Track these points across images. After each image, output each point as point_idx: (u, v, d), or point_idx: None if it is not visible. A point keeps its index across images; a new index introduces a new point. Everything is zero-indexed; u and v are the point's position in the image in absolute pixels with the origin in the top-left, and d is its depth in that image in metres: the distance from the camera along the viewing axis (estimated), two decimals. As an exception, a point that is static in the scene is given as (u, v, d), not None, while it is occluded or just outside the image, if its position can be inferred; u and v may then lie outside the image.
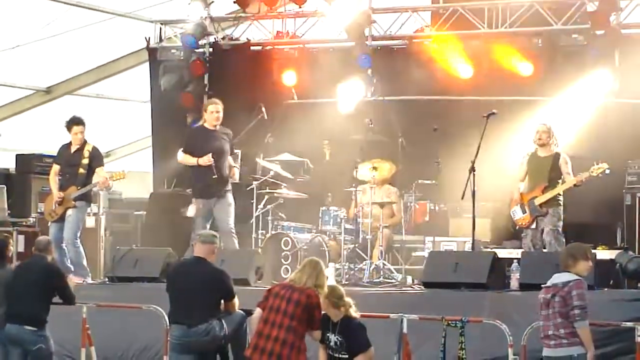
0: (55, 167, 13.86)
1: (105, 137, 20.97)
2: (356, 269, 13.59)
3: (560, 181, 12.81)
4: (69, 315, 11.34)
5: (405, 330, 10.12)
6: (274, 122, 15.75)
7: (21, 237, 14.78)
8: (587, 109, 15.20)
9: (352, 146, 14.96)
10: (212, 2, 17.90)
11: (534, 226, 12.85)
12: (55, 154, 14.27)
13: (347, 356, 9.24)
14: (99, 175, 13.58)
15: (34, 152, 17.51)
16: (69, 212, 13.51)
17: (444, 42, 16.21)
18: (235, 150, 13.98)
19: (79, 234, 13.55)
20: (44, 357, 10.36)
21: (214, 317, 10.01)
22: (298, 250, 13.70)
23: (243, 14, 17.95)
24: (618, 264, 12.12)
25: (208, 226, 13.41)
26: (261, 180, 14.62)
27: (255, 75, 17.35)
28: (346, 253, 13.81)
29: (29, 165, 17.05)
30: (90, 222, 15.55)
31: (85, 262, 13.63)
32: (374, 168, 14.30)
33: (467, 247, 13.60)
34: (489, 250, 13.52)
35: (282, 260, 13.76)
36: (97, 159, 13.70)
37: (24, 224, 15.88)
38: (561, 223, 12.76)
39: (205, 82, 17.88)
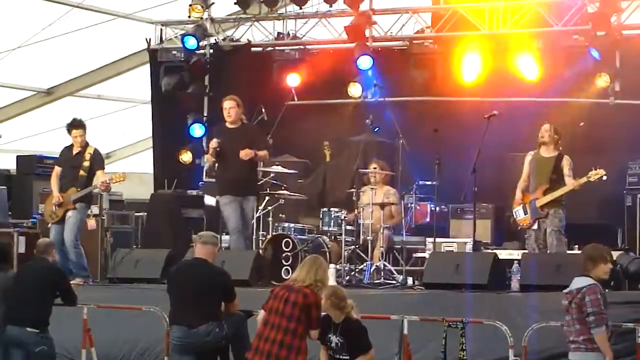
0: (57, 169, 13.87)
1: (106, 138, 21.03)
2: (357, 270, 13.59)
3: (561, 183, 12.79)
4: (69, 316, 11.32)
5: (406, 331, 10.12)
6: (275, 124, 15.75)
7: (22, 239, 14.75)
8: (588, 109, 15.20)
9: (353, 147, 14.95)
10: (213, 3, 17.91)
11: (536, 227, 12.79)
12: (56, 156, 14.30)
13: (348, 357, 9.22)
14: (98, 178, 13.58)
15: (35, 154, 17.45)
16: (69, 213, 13.50)
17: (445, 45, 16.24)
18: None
19: (79, 236, 13.55)
20: (46, 358, 10.36)
21: (214, 318, 9.99)
22: (299, 251, 13.69)
23: (244, 16, 17.96)
24: (619, 266, 12.06)
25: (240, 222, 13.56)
26: (262, 181, 14.61)
27: (255, 77, 17.36)
28: (347, 254, 13.81)
29: (30, 166, 17.00)
30: (90, 223, 15.51)
31: (86, 264, 13.62)
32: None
33: (468, 248, 13.59)
34: (489, 251, 13.52)
35: (283, 261, 13.73)
36: (98, 161, 13.71)
37: (25, 225, 15.86)
38: (563, 224, 12.71)
39: (206, 83, 17.89)
